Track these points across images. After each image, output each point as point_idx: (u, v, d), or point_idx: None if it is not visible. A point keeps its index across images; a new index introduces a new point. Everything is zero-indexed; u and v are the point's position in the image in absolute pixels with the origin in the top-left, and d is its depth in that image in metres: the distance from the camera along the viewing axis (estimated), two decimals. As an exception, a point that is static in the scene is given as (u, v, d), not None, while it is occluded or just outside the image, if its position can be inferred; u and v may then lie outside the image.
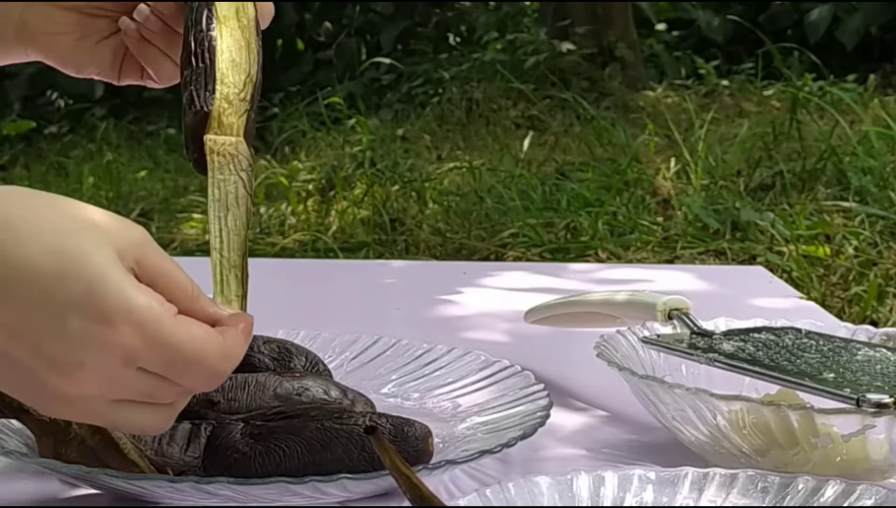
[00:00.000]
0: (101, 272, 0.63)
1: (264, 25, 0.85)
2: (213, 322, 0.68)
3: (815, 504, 0.72)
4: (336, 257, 3.89)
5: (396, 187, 4.69)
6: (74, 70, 0.93)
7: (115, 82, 0.94)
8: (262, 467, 0.79)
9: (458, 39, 7.62)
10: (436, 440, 0.83)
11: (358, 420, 0.80)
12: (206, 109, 0.78)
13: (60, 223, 0.64)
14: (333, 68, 7.06)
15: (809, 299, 1.73)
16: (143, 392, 0.66)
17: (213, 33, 0.80)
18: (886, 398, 0.81)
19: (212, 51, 0.80)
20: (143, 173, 5.50)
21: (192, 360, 0.65)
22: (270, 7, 0.87)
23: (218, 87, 0.79)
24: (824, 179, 4.31)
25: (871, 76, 6.05)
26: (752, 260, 3.58)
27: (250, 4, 0.83)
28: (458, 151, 5.36)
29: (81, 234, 0.64)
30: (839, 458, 0.84)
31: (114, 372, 0.64)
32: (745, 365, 0.91)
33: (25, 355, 0.63)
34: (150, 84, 0.93)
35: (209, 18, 0.81)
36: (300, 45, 7.67)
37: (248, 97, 0.80)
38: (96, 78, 0.93)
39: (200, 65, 0.79)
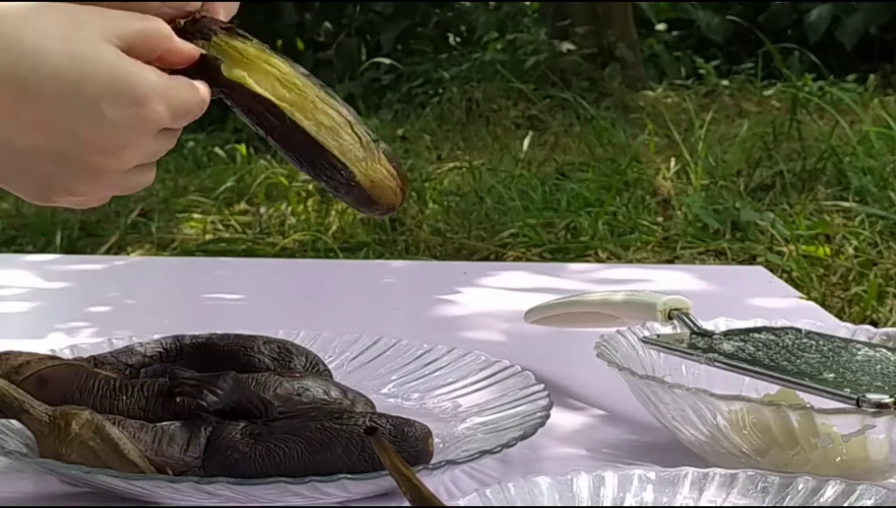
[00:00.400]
0: (116, 64, 0.72)
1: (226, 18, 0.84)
2: (186, 58, 0.77)
3: (815, 504, 0.72)
4: (336, 257, 3.89)
5: (396, 187, 4.68)
6: None
7: None
8: (262, 467, 0.79)
9: (458, 39, 7.62)
10: (436, 440, 0.83)
11: (358, 421, 0.80)
12: (353, 183, 0.78)
13: (63, 31, 0.72)
14: (333, 68, 7.06)
15: (809, 299, 1.73)
16: (158, 152, 0.77)
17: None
18: (886, 398, 0.81)
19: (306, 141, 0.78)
20: (142, 173, 5.49)
21: (196, 110, 0.76)
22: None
23: (341, 159, 0.78)
24: (824, 179, 4.31)
25: (871, 76, 6.05)
26: (752, 260, 3.58)
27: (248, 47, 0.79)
28: (458, 151, 5.36)
29: (83, 36, 0.72)
30: (839, 458, 0.84)
31: (148, 144, 0.75)
32: (745, 365, 0.91)
33: (67, 146, 0.73)
34: None
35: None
36: (300, 45, 7.67)
37: (356, 129, 0.79)
38: None
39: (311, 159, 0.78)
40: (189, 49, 0.77)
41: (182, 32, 0.78)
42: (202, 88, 0.76)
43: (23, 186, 0.76)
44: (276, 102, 0.77)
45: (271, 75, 0.78)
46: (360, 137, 0.79)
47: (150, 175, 0.78)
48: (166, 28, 0.76)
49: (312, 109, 0.78)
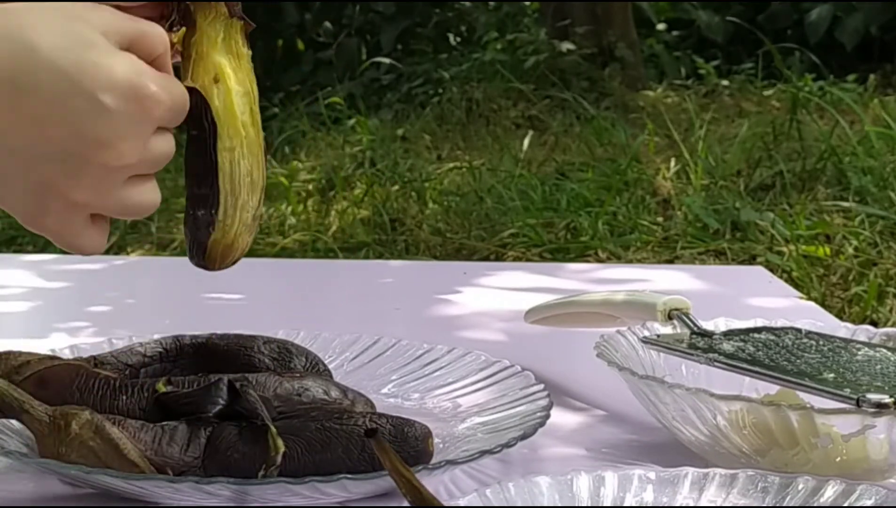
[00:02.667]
0: (113, 56, 0.71)
1: None
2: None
3: (815, 504, 0.72)
4: (336, 257, 3.89)
5: (396, 187, 4.69)
6: None
7: None
8: (262, 467, 0.79)
9: (458, 39, 7.62)
10: (436, 440, 0.83)
11: (358, 421, 0.80)
12: (211, 229, 0.77)
13: (59, 25, 0.71)
14: (333, 68, 7.06)
15: (809, 299, 1.73)
16: (158, 153, 0.74)
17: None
18: (886, 398, 0.81)
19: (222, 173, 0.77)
20: (142, 173, 5.49)
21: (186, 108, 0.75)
22: None
23: (237, 214, 0.77)
24: (824, 179, 4.31)
25: (871, 76, 6.05)
26: (752, 260, 3.58)
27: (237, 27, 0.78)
28: (458, 151, 5.36)
29: (79, 28, 0.71)
30: (839, 458, 0.84)
31: (147, 136, 0.72)
32: (745, 365, 0.91)
33: (65, 140, 0.71)
34: None
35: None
36: (300, 45, 7.67)
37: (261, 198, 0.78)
38: None
39: (212, 188, 0.77)
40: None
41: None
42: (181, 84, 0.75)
43: (17, 195, 0.73)
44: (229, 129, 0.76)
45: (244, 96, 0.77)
46: (258, 206, 0.78)
47: (152, 193, 0.75)
48: (167, 39, 0.75)
49: (258, 154, 0.77)
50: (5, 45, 0.69)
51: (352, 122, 5.76)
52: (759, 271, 1.77)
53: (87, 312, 1.39)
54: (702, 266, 3.05)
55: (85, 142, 0.71)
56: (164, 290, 1.54)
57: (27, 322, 1.36)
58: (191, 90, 0.76)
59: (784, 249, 3.64)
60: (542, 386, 0.93)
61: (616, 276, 1.69)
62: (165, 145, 0.74)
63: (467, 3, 7.75)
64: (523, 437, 0.84)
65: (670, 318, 1.01)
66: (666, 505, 0.73)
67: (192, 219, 0.78)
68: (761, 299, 1.44)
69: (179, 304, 1.43)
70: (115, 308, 1.42)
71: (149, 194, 0.75)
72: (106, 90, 0.70)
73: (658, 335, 0.99)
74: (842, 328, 1.03)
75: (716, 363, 0.92)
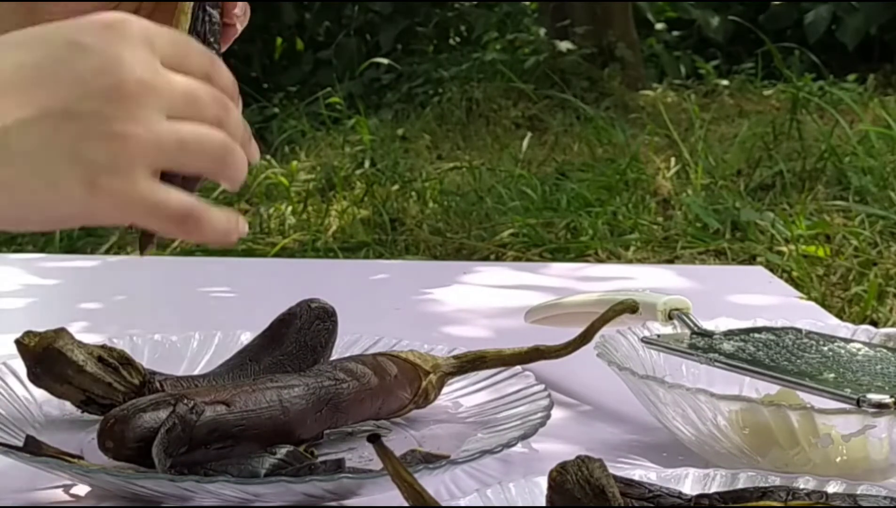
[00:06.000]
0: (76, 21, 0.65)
1: (241, 26, 0.83)
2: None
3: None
4: (336, 257, 3.89)
5: (396, 187, 4.69)
6: None
7: None
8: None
9: (458, 39, 7.62)
10: (436, 440, 0.83)
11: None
12: None
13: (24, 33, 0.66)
14: (333, 68, 7.06)
15: (809, 299, 1.73)
16: (182, 86, 0.66)
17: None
18: (887, 399, 0.81)
19: None
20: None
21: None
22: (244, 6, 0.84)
23: None
24: (824, 179, 4.32)
25: (871, 76, 6.06)
26: (752, 260, 3.58)
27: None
28: (458, 151, 5.36)
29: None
30: (839, 458, 0.84)
31: (149, 58, 0.65)
32: (745, 365, 0.91)
33: (66, 97, 0.63)
34: None
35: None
36: (300, 45, 7.67)
37: None
38: None
39: None
40: None
41: None
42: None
43: (66, 178, 0.63)
44: None
45: None
46: None
47: (208, 132, 0.66)
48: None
49: None
50: None
51: (351, 122, 5.76)
52: (759, 271, 1.77)
53: (86, 310, 1.39)
54: (702, 266, 3.05)
55: (84, 84, 0.63)
56: (164, 289, 1.54)
57: (27, 322, 1.36)
58: None
59: (784, 249, 3.64)
60: (542, 386, 0.93)
61: (616, 276, 1.69)
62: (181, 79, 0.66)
63: (467, 3, 7.75)
64: (523, 437, 0.84)
65: (670, 318, 1.01)
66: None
67: None
68: (761, 299, 1.44)
69: (179, 303, 1.43)
70: (114, 307, 1.41)
71: (204, 131, 0.66)
72: (80, 31, 0.64)
73: (658, 335, 0.99)
74: (842, 328, 1.03)
75: (716, 363, 0.92)
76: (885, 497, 0.69)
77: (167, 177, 0.65)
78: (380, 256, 3.91)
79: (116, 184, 0.63)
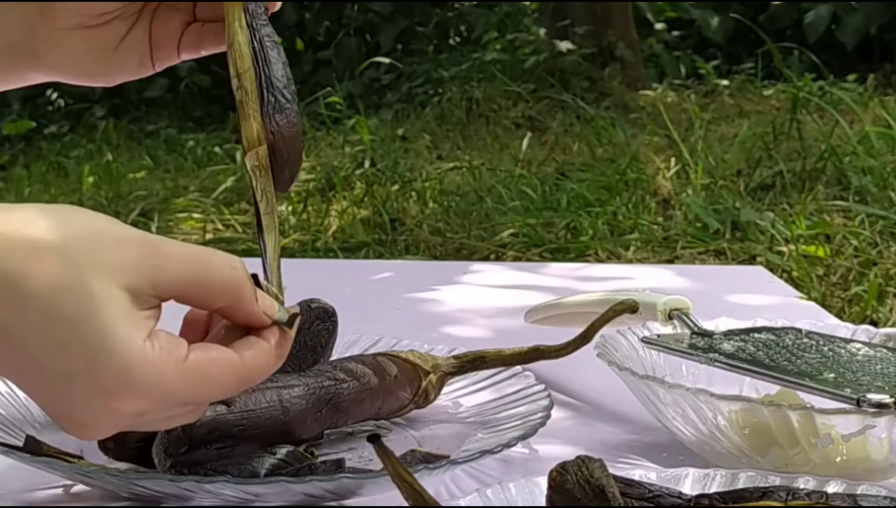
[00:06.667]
0: (104, 339, 0.61)
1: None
2: (253, 324, 0.68)
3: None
4: (336, 257, 3.89)
5: (396, 187, 4.69)
6: (105, 82, 0.87)
7: (150, 73, 0.88)
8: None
9: (458, 39, 7.62)
10: (436, 440, 0.83)
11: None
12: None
13: (65, 277, 0.61)
14: (333, 68, 7.06)
15: (809, 299, 1.73)
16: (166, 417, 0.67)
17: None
18: (887, 399, 0.81)
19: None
20: (142, 173, 5.50)
21: (208, 398, 0.66)
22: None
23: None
24: (824, 179, 4.31)
25: (871, 76, 6.05)
26: (752, 260, 3.58)
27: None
28: (458, 151, 5.36)
29: (85, 286, 0.61)
30: (839, 458, 0.84)
31: (126, 424, 0.64)
32: (745, 365, 0.91)
33: (41, 401, 0.64)
34: (188, 57, 0.88)
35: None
36: (300, 44, 7.67)
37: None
38: (133, 79, 0.88)
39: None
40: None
41: None
42: (213, 372, 0.65)
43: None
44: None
45: None
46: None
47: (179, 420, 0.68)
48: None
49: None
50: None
51: (351, 122, 5.76)
52: (759, 271, 1.77)
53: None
54: (702, 266, 3.04)
55: (57, 410, 0.63)
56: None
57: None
58: None
59: (784, 249, 3.64)
60: (542, 386, 0.93)
61: (616, 276, 1.69)
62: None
63: (467, 3, 7.75)
64: (523, 437, 0.84)
65: (670, 318, 1.01)
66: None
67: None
68: (761, 299, 1.44)
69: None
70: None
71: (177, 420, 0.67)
72: (77, 380, 0.61)
73: (658, 335, 0.99)
74: (842, 328, 1.03)
75: (716, 363, 0.92)
76: (885, 497, 0.69)
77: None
78: (380, 256, 3.91)
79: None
